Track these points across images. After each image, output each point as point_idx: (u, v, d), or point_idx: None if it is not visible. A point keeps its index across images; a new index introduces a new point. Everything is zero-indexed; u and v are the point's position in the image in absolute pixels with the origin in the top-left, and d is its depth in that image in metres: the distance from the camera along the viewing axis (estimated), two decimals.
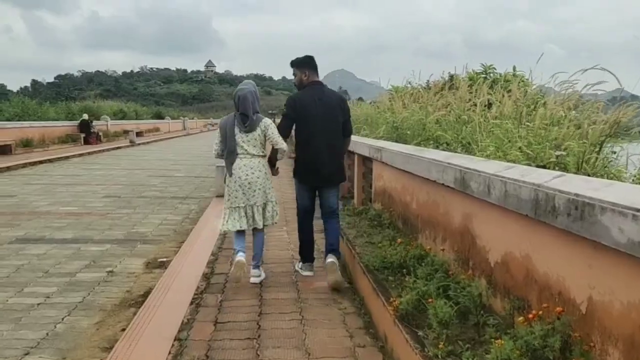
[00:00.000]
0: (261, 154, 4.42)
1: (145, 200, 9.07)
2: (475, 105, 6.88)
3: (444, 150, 5.21)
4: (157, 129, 39.31)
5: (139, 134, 31.65)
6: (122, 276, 4.83)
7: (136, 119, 36.36)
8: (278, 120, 4.71)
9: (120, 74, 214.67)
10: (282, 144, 4.36)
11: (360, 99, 23.09)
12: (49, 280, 4.67)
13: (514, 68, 11.36)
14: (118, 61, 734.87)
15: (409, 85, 12.33)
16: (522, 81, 10.31)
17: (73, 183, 11.06)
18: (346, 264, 4.77)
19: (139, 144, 25.64)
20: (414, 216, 4.56)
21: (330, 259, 4.27)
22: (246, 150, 4.34)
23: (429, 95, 7.41)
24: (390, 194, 5.49)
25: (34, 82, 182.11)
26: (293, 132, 4.54)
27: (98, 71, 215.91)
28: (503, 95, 5.98)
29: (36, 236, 6.32)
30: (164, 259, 5.36)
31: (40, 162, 15.00)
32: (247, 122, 4.30)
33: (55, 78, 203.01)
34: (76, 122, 23.57)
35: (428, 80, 11.38)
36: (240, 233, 4.42)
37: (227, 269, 4.68)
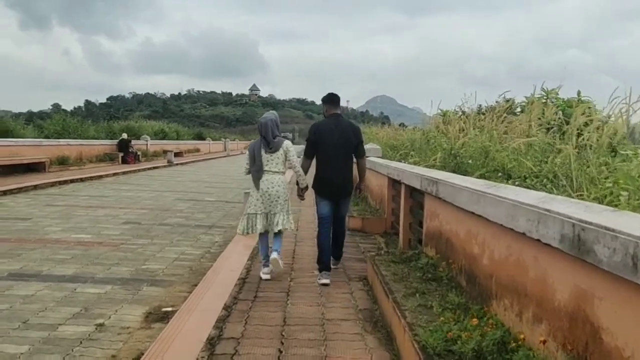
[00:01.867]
0: (282, 170, 5.27)
1: (166, 228, 8.23)
2: (549, 130, 5.73)
3: (519, 185, 4.09)
4: (197, 150, 39.31)
5: (178, 154, 31.57)
6: (112, 332, 3.89)
7: (177, 139, 36.43)
8: None
9: (169, 96, 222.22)
10: (297, 166, 5.30)
11: (401, 124, 22.11)
12: (23, 335, 3.78)
13: (579, 93, 10.08)
14: (167, 84, 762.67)
15: (458, 111, 11.25)
16: (589, 108, 9.03)
17: (96, 205, 10.41)
18: (390, 332, 3.67)
19: (177, 164, 25.31)
20: (485, 275, 3.44)
21: (324, 280, 5.05)
22: (270, 168, 5.20)
23: (490, 119, 6.29)
24: (448, 239, 4.38)
25: (87, 102, 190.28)
26: None
27: (148, 93, 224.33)
28: (587, 124, 4.84)
29: (32, 271, 5.51)
30: (169, 309, 4.41)
31: (71, 181, 14.59)
32: (271, 145, 5.17)
33: (107, 99, 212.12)
34: (115, 141, 23.46)
35: (480, 106, 10.28)
36: (263, 241, 5.32)
37: (238, 333, 3.66)
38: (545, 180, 3.64)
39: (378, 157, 10.48)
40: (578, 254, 2.18)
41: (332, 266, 5.32)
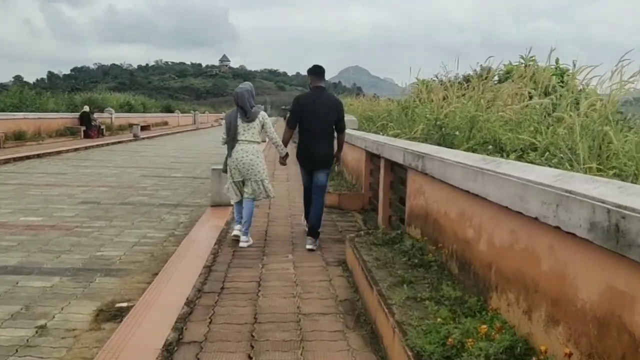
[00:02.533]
0: (257, 140, 5.37)
1: (127, 208, 7.61)
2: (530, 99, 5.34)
3: (517, 160, 3.66)
4: (165, 123, 38.06)
5: (145, 128, 30.42)
6: (55, 336, 3.36)
7: (144, 111, 35.09)
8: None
9: (136, 67, 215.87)
10: (274, 137, 5.46)
11: (374, 95, 21.64)
12: None
13: (557, 61, 9.72)
14: (134, 54, 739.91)
15: (435, 80, 10.80)
16: (567, 75, 8.69)
17: (51, 184, 9.65)
18: (376, 329, 3.24)
19: (143, 139, 24.31)
20: (482, 264, 3.02)
21: (308, 243, 5.28)
22: (245, 137, 5.30)
23: (475, 86, 5.84)
24: (436, 219, 3.95)
25: (50, 74, 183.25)
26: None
27: (114, 64, 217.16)
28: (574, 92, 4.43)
29: None
30: (124, 305, 3.89)
31: (27, 157, 13.66)
32: (248, 114, 5.27)
33: (71, 70, 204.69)
34: (77, 114, 22.28)
35: (458, 74, 9.80)
36: (239, 204, 5.48)
37: (201, 335, 3.17)
38: (547, 153, 3.21)
39: (354, 129, 9.98)
40: (615, 248, 1.75)
41: (309, 247, 5.26)
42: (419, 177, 4.41)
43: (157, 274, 4.53)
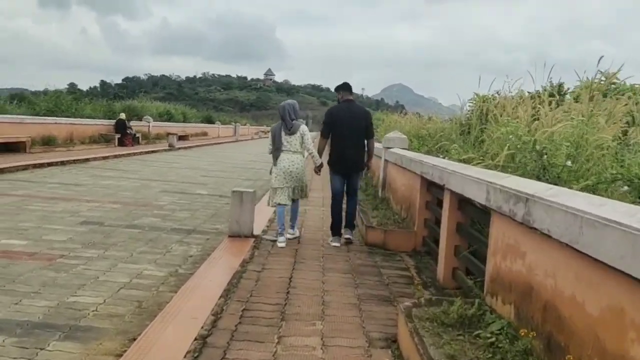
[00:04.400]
0: (300, 150, 5.95)
1: (132, 233, 6.43)
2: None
3: None
4: (204, 134, 37.59)
5: (183, 138, 29.88)
6: None
7: (183, 121, 34.64)
8: None
9: (184, 78, 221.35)
10: (311, 148, 6.00)
11: (417, 114, 20.30)
12: None
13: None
14: (183, 66, 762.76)
15: (497, 96, 9.27)
16: None
17: (59, 197, 8.63)
18: None
19: (179, 149, 23.54)
20: None
21: (346, 235, 6.08)
22: (288, 148, 5.88)
23: (579, 101, 4.34)
24: (551, 304, 2.50)
25: (103, 83, 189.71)
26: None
27: (163, 75, 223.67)
28: None
29: None
30: None
31: (49, 164, 12.83)
32: (291, 127, 5.86)
33: (123, 80, 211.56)
34: (113, 122, 21.73)
35: (521, 91, 8.25)
36: (281, 212, 5.89)
37: None
38: None
39: (403, 148, 8.56)
40: None
41: (346, 237, 6.07)
42: (515, 228, 2.96)
43: (135, 339, 3.26)
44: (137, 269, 4.95)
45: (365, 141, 6.11)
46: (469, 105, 10.11)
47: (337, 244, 5.97)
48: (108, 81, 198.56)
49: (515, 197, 2.88)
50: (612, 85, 7.19)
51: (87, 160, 14.77)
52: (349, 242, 6.03)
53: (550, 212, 2.44)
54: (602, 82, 7.06)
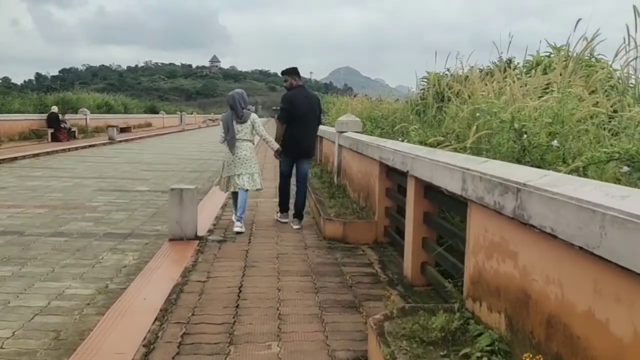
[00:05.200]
0: (250, 138, 6.08)
1: (58, 242, 5.62)
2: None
3: None
4: (148, 124, 35.96)
5: (125, 130, 28.39)
6: None
7: (125, 112, 32.90)
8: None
9: (125, 68, 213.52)
10: (265, 135, 6.13)
11: (365, 95, 20.00)
12: None
13: (592, 52, 7.84)
14: (123, 56, 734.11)
15: (447, 73, 8.91)
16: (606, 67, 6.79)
17: None
18: None
19: (120, 142, 22.21)
20: None
21: (295, 225, 6.12)
22: (240, 136, 5.97)
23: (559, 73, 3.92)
24: (556, 319, 2.02)
25: (38, 75, 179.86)
26: None
27: (103, 65, 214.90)
28: None
29: None
30: None
31: None
32: (242, 115, 5.98)
33: (59, 72, 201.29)
34: (44, 116, 20.15)
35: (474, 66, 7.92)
36: (235, 198, 6.01)
37: None
38: None
39: (356, 131, 8.05)
40: None
41: (296, 228, 6.08)
42: (501, 223, 2.48)
43: None
44: (58, 287, 4.21)
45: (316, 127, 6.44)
46: (422, 84, 9.73)
47: (286, 220, 6.29)
48: (44, 74, 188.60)
49: (502, 186, 2.39)
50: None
51: (14, 159, 13.48)
52: (298, 230, 6.07)
53: (553, 206, 1.95)
54: (548, 56, 6.76)
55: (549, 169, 2.69)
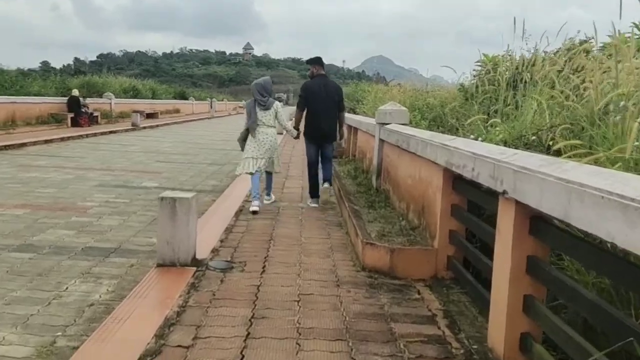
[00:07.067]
0: (273, 125, 6.43)
1: (19, 261, 4.35)
2: None
3: None
4: (177, 111, 35.10)
5: (152, 116, 27.46)
6: None
7: (152, 98, 32.02)
8: None
9: (160, 54, 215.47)
10: (285, 124, 6.61)
11: (399, 84, 18.47)
12: None
13: None
14: (159, 42, 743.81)
15: (508, 57, 7.39)
16: None
17: None
18: None
19: (144, 128, 21.22)
20: None
21: (325, 184, 6.63)
22: (263, 122, 6.32)
23: None
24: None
25: (76, 60, 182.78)
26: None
27: (139, 51, 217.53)
28: None
29: None
30: None
31: None
32: (264, 103, 6.31)
33: (97, 57, 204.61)
34: (64, 99, 19.25)
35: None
36: (255, 179, 6.23)
37: None
38: None
39: (402, 123, 6.55)
40: None
41: (325, 185, 6.65)
42: None
43: None
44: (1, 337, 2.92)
45: (337, 113, 6.62)
46: (475, 69, 8.20)
47: (316, 205, 6.57)
48: (82, 58, 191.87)
49: None
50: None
51: (22, 145, 12.48)
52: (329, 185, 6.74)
53: None
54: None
55: None
